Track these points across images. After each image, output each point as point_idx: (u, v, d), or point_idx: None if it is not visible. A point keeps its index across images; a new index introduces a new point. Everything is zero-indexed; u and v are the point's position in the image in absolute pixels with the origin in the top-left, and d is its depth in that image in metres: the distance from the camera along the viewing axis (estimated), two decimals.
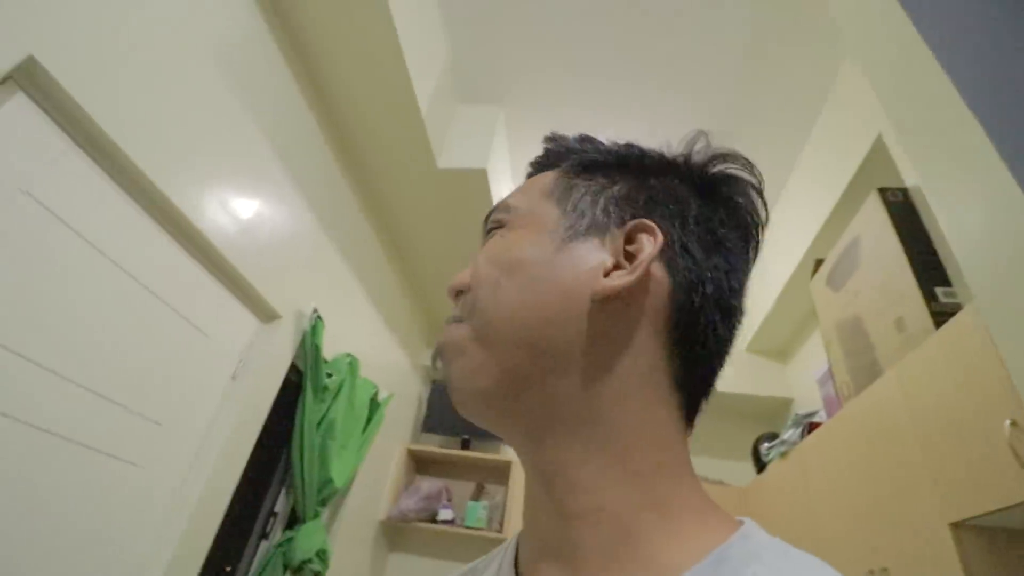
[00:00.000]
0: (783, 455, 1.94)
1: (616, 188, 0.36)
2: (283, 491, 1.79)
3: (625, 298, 0.32)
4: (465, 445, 2.79)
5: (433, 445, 2.81)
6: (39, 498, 0.96)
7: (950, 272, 1.20)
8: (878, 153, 1.56)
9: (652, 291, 0.32)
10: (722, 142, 0.38)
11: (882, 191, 1.38)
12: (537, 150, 0.43)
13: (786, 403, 2.65)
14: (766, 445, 2.26)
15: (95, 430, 1.05)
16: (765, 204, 0.36)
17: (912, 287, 1.20)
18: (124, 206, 1.09)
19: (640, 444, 0.31)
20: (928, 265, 1.22)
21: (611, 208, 0.35)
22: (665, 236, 0.33)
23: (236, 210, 1.35)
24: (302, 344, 1.67)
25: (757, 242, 0.37)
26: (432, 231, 2.34)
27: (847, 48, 1.47)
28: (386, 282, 2.39)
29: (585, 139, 0.40)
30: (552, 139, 0.42)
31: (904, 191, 1.37)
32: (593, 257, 0.33)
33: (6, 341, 0.89)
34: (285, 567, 1.58)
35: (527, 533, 0.35)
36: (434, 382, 3.05)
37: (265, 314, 1.54)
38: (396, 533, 2.57)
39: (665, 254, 0.33)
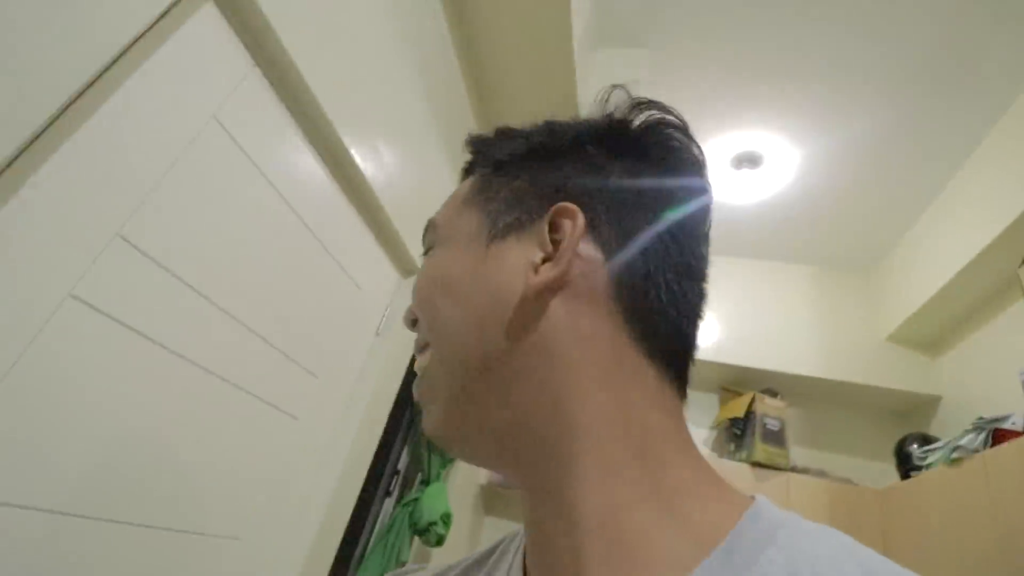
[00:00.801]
0: (954, 462, 1.70)
1: (528, 177, 0.34)
2: (404, 450, 1.76)
3: (560, 289, 0.30)
4: None
5: None
6: (208, 440, 0.91)
7: None
8: None
9: (587, 273, 0.31)
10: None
11: None
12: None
13: (933, 401, 2.36)
14: (918, 447, 2.01)
15: (260, 379, 1.00)
16: (696, 144, 0.34)
17: None
18: (296, 138, 1.00)
19: (615, 435, 0.29)
20: None
21: (528, 200, 0.33)
22: (586, 213, 0.31)
23: (387, 158, 1.25)
24: None
25: (703, 183, 0.34)
26: None
27: None
28: None
29: (502, 133, 0.38)
30: (471, 141, 0.40)
31: None
32: (519, 255, 0.32)
33: (186, 276, 0.82)
34: (411, 526, 1.55)
35: (530, 545, 0.32)
36: None
37: (405, 268, 1.46)
38: (494, 497, 2.56)
39: (592, 231, 0.31)
